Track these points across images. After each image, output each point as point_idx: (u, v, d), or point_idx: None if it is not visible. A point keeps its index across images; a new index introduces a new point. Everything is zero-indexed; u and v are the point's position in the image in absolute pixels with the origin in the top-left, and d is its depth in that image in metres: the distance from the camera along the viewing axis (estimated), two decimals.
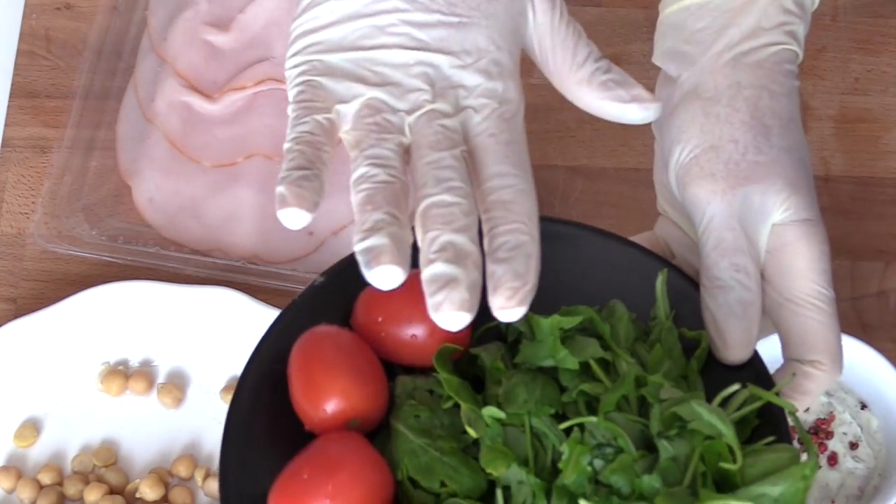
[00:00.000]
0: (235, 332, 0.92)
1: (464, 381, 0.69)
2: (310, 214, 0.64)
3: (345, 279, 0.71)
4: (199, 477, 0.89)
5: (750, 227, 0.70)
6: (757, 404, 0.67)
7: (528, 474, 0.66)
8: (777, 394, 0.67)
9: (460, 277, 0.62)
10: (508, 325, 0.71)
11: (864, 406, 0.86)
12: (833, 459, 0.84)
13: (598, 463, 0.66)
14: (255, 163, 0.98)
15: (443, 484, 0.67)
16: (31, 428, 0.90)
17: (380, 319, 0.69)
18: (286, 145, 0.66)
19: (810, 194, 0.70)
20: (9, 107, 1.01)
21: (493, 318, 0.65)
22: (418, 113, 0.66)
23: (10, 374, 0.91)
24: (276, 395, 0.69)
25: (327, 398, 0.68)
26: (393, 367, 0.71)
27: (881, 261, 0.96)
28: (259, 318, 0.91)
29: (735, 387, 0.67)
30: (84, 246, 0.94)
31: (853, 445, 0.85)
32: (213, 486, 0.88)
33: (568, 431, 0.67)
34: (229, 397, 0.90)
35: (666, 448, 0.66)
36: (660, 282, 0.72)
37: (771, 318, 0.71)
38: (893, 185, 0.97)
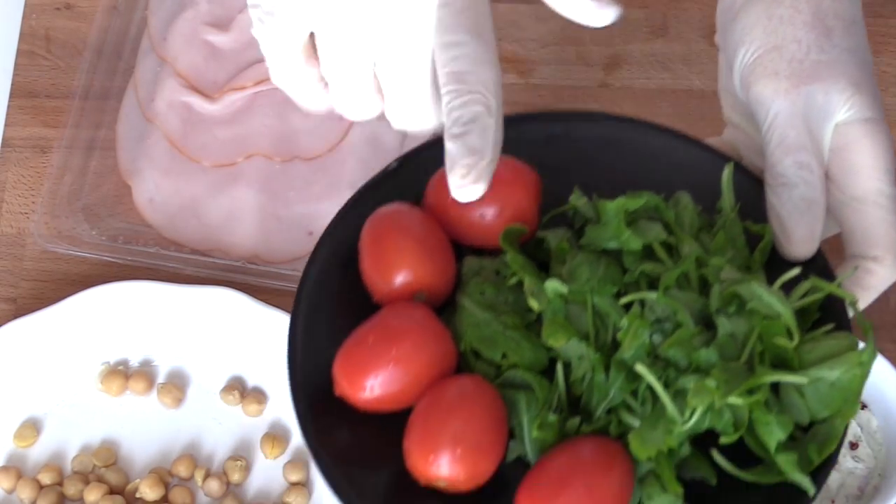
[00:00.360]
0: (235, 332, 0.92)
1: (529, 260, 0.71)
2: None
3: (417, 165, 0.73)
4: (199, 477, 0.89)
5: (814, 126, 0.70)
6: (818, 295, 0.68)
7: (588, 348, 0.68)
8: (838, 287, 0.68)
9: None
10: (575, 210, 0.73)
11: (864, 406, 0.86)
12: None
13: (656, 338, 0.67)
14: (255, 163, 0.98)
15: (504, 356, 0.69)
16: (31, 428, 0.90)
17: (450, 200, 0.68)
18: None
19: (873, 94, 0.71)
20: (9, 107, 1.01)
21: (562, 200, 0.70)
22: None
23: (10, 374, 0.91)
24: (346, 270, 0.71)
25: (396, 271, 0.70)
26: (461, 250, 0.72)
27: None
28: (259, 318, 0.91)
29: (796, 270, 0.69)
30: (84, 246, 0.94)
31: (853, 445, 0.85)
32: (213, 485, 0.88)
33: (628, 308, 0.68)
34: (229, 397, 0.91)
35: (724, 324, 0.67)
36: (726, 174, 0.73)
37: (834, 217, 0.72)
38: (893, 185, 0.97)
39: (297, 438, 0.90)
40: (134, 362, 0.93)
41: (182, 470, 0.89)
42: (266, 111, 0.99)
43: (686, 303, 0.68)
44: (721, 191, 0.73)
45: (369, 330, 0.68)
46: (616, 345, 0.68)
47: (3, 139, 1.00)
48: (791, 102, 0.70)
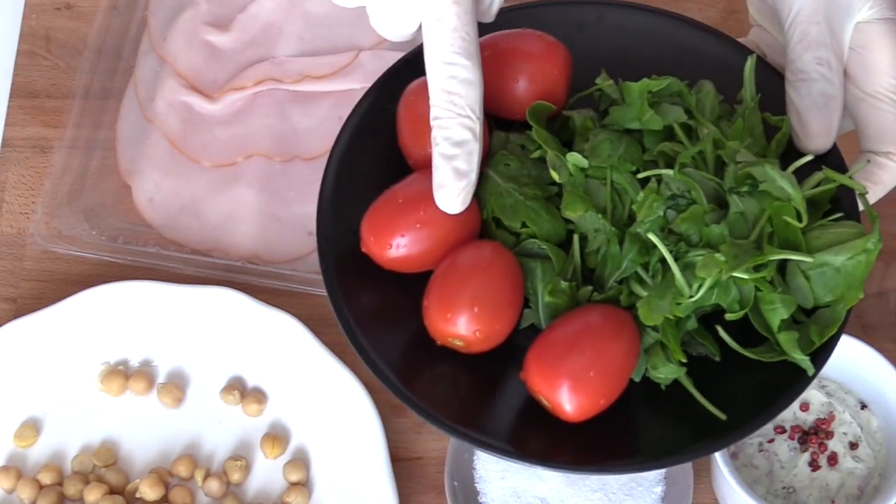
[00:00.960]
0: (235, 332, 0.92)
1: (553, 136, 0.74)
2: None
3: None
4: (199, 477, 0.89)
5: (835, 23, 0.73)
6: (830, 186, 0.71)
7: (604, 221, 0.71)
8: (850, 178, 0.71)
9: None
10: (601, 93, 0.77)
11: (864, 406, 0.86)
12: (833, 459, 0.84)
13: (670, 213, 0.70)
14: (255, 163, 0.98)
15: (524, 225, 0.72)
16: (31, 428, 0.90)
17: (485, 69, 0.72)
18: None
19: None
20: (9, 107, 1.01)
21: (589, 86, 0.75)
22: None
23: (10, 374, 0.91)
24: (380, 136, 0.74)
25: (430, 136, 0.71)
26: (491, 126, 0.75)
27: (881, 261, 0.96)
28: (259, 318, 0.91)
29: (808, 157, 0.72)
30: (84, 246, 0.94)
31: (853, 445, 0.85)
32: (213, 485, 0.88)
33: (645, 185, 0.71)
34: (229, 397, 0.91)
35: (736, 203, 0.70)
36: (748, 65, 0.76)
37: (850, 113, 0.75)
38: None
39: (297, 438, 0.90)
40: (134, 362, 0.93)
41: (182, 470, 0.89)
42: (266, 111, 0.99)
43: (701, 182, 0.71)
44: (743, 82, 0.76)
45: (399, 190, 0.71)
46: (631, 220, 0.71)
47: (3, 139, 1.00)
48: (813, 0, 0.73)
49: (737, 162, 0.71)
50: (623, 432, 0.70)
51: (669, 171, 0.71)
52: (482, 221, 0.72)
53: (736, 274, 0.67)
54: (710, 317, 0.70)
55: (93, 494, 0.87)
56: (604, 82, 0.76)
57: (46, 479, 0.88)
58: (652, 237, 0.69)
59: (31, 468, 0.90)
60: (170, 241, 0.95)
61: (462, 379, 0.71)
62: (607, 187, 0.72)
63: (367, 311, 0.71)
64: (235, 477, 0.89)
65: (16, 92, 1.02)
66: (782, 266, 0.69)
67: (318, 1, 1.03)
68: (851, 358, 0.85)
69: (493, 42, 0.75)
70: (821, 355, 0.69)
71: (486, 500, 0.86)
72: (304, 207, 0.96)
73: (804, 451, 0.84)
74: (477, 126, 0.68)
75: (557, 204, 0.73)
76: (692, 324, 0.69)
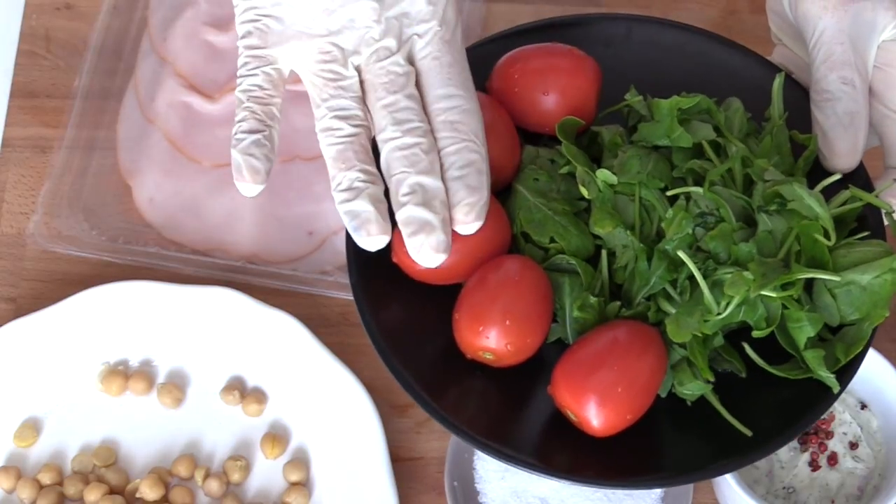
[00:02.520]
0: (235, 332, 0.92)
1: (582, 152, 0.75)
2: (262, 187, 0.69)
3: (479, 56, 0.76)
4: (199, 477, 0.89)
5: (859, 42, 0.74)
6: (857, 204, 0.72)
7: (633, 237, 0.72)
8: (876, 197, 0.72)
9: (433, 221, 0.67)
10: (630, 109, 0.77)
11: (864, 406, 0.86)
12: (833, 459, 0.84)
13: (699, 231, 0.71)
14: None
15: (552, 240, 0.73)
16: (31, 428, 0.90)
17: (515, 82, 0.75)
18: (238, 95, 0.70)
19: None
20: (9, 107, 1.01)
21: (617, 102, 0.75)
22: (368, 51, 0.70)
23: (10, 374, 0.91)
24: None
25: None
26: (521, 142, 0.77)
27: None
28: (259, 318, 0.91)
29: (836, 177, 0.73)
30: (84, 246, 0.94)
31: (853, 445, 0.85)
32: (213, 485, 0.88)
33: (673, 203, 0.72)
34: (229, 397, 0.91)
35: (765, 221, 0.71)
36: (777, 82, 0.77)
37: (876, 130, 0.75)
38: None
39: (297, 438, 0.90)
40: (134, 362, 0.93)
41: (182, 470, 0.89)
42: None
43: (729, 199, 0.71)
44: (771, 99, 0.76)
45: None
46: (659, 237, 0.72)
47: (3, 139, 1.00)
48: (838, 19, 0.73)
49: (765, 180, 0.72)
50: (648, 448, 0.71)
51: (699, 189, 0.71)
52: (512, 236, 0.74)
53: (764, 292, 0.68)
54: (737, 334, 0.71)
55: (93, 494, 0.87)
56: (633, 98, 0.77)
57: (46, 479, 0.88)
58: (681, 255, 0.70)
59: (31, 468, 0.89)
60: (170, 241, 0.95)
61: (490, 392, 0.72)
62: (636, 204, 0.73)
63: (396, 323, 0.72)
64: (235, 477, 0.89)
65: (16, 92, 1.02)
66: (809, 284, 0.70)
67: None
68: None
69: (523, 56, 0.77)
70: (846, 373, 0.69)
71: (486, 500, 0.86)
72: (304, 207, 0.96)
73: (804, 451, 0.84)
74: (482, 150, 0.69)
75: (586, 219, 0.74)
76: (719, 341, 0.71)
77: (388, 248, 0.69)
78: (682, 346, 0.70)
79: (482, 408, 0.72)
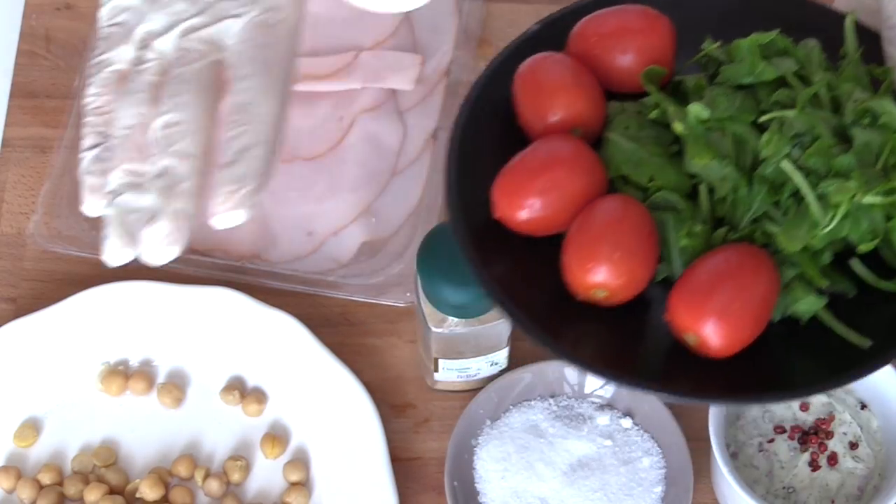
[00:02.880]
0: (235, 332, 0.92)
1: (668, 96, 0.77)
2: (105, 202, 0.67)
3: (557, 26, 0.80)
4: (199, 477, 0.89)
5: None
6: None
7: (730, 167, 0.73)
8: None
9: (163, 210, 0.65)
10: (707, 59, 0.79)
11: (864, 406, 0.86)
12: (833, 459, 0.84)
13: (795, 153, 0.72)
14: None
15: (651, 179, 0.75)
16: (31, 428, 0.90)
17: (592, 46, 0.78)
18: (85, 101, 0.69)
19: None
20: (9, 107, 1.01)
21: (689, 59, 0.78)
22: (176, 30, 0.69)
23: (10, 374, 0.91)
24: (496, 115, 0.78)
25: (551, 108, 0.76)
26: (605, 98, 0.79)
27: None
28: (259, 318, 0.91)
29: None
30: (84, 246, 0.94)
31: (853, 445, 0.85)
32: (213, 485, 0.88)
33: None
34: (229, 397, 0.91)
35: (859, 135, 0.72)
36: (849, 20, 0.79)
37: None
38: None
39: (297, 438, 0.90)
40: (134, 362, 0.93)
41: (182, 470, 0.89)
42: None
43: (821, 119, 0.73)
44: (843, 40, 0.78)
45: (529, 155, 0.75)
46: (755, 167, 0.73)
47: (3, 139, 1.00)
48: None
49: (854, 100, 0.73)
50: (767, 367, 0.72)
51: (790, 113, 0.73)
52: (609, 181, 0.75)
53: (868, 198, 0.69)
54: (841, 261, 0.73)
55: (93, 494, 0.87)
56: (710, 47, 0.79)
57: (46, 479, 0.88)
58: (786, 166, 0.71)
59: (31, 468, 0.89)
60: None
61: (605, 331, 0.74)
62: (728, 137, 0.74)
63: (505, 275, 0.74)
64: (235, 477, 0.89)
65: (16, 92, 1.02)
66: None
67: (319, 1, 1.03)
68: None
69: (597, 20, 0.79)
70: None
71: (486, 500, 0.86)
72: (305, 207, 0.96)
73: (804, 451, 0.84)
74: (267, 134, 0.68)
75: (679, 163, 0.75)
76: (827, 258, 0.72)
77: (491, 205, 0.73)
78: (794, 263, 0.72)
79: (600, 345, 0.74)
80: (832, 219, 0.70)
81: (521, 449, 0.87)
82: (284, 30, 0.70)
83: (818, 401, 0.86)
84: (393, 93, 1.00)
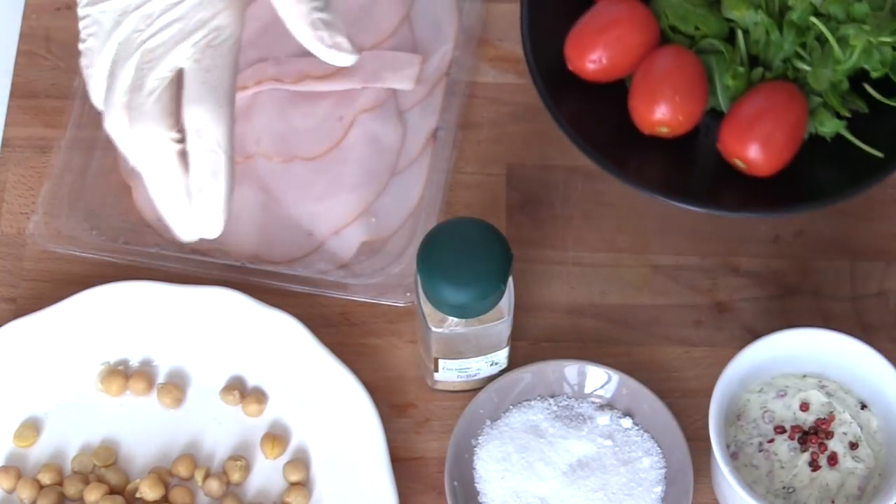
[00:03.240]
0: (235, 332, 0.92)
1: None
2: None
3: None
4: (199, 477, 0.88)
5: None
6: None
7: (762, 14, 0.90)
8: None
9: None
10: None
11: (864, 406, 0.86)
12: (833, 459, 0.84)
13: (817, 0, 0.89)
14: (255, 163, 0.98)
15: (697, 28, 0.92)
16: (31, 428, 0.90)
17: None
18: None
19: None
20: (9, 107, 1.01)
21: None
22: (136, 54, 0.74)
23: (10, 374, 0.91)
24: None
25: None
26: None
27: (881, 261, 0.96)
28: (259, 318, 0.91)
29: None
30: (84, 246, 0.94)
31: (853, 445, 0.85)
32: (213, 485, 0.88)
33: None
34: (229, 397, 0.91)
35: None
36: None
37: None
38: (893, 186, 0.97)
39: (297, 438, 0.90)
40: (134, 362, 0.93)
41: (182, 470, 0.89)
42: (266, 111, 0.99)
43: None
44: None
45: (593, 16, 0.92)
46: (782, 13, 0.90)
47: (3, 139, 1.00)
48: None
49: None
50: (802, 181, 0.89)
51: None
52: (661, 32, 0.92)
53: (881, 38, 0.87)
54: (856, 84, 0.90)
55: (93, 494, 0.87)
56: None
57: (46, 479, 0.88)
58: (812, 20, 0.88)
59: (31, 468, 0.89)
60: (170, 241, 0.95)
61: (663, 160, 0.90)
62: None
63: (576, 114, 0.89)
64: (235, 477, 0.89)
65: (16, 92, 1.02)
66: None
67: None
68: (851, 358, 0.84)
69: None
70: None
71: (486, 500, 0.86)
72: (304, 207, 0.96)
73: (804, 451, 0.84)
74: (223, 158, 0.74)
75: (717, 10, 0.91)
76: (845, 85, 0.89)
77: (566, 58, 0.91)
78: (818, 94, 0.89)
79: (658, 171, 0.90)
80: (850, 56, 0.88)
81: (521, 449, 0.87)
82: (226, 49, 0.74)
83: (818, 401, 0.86)
84: (393, 92, 1.00)
